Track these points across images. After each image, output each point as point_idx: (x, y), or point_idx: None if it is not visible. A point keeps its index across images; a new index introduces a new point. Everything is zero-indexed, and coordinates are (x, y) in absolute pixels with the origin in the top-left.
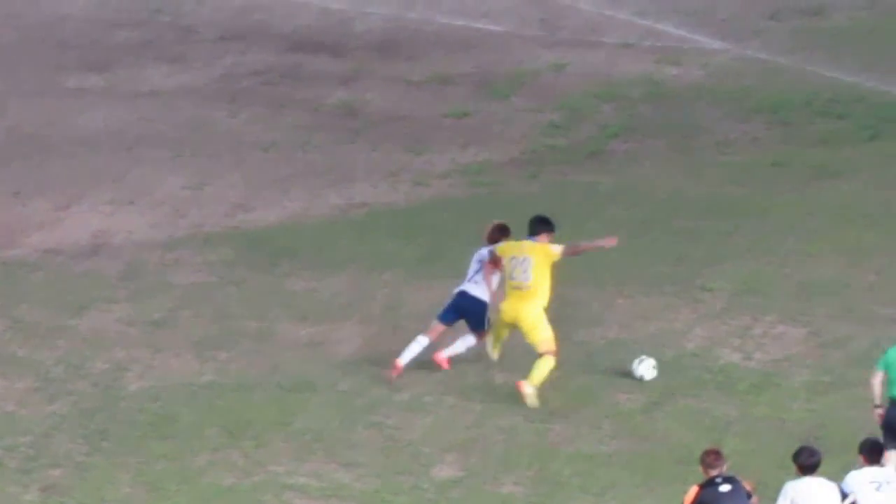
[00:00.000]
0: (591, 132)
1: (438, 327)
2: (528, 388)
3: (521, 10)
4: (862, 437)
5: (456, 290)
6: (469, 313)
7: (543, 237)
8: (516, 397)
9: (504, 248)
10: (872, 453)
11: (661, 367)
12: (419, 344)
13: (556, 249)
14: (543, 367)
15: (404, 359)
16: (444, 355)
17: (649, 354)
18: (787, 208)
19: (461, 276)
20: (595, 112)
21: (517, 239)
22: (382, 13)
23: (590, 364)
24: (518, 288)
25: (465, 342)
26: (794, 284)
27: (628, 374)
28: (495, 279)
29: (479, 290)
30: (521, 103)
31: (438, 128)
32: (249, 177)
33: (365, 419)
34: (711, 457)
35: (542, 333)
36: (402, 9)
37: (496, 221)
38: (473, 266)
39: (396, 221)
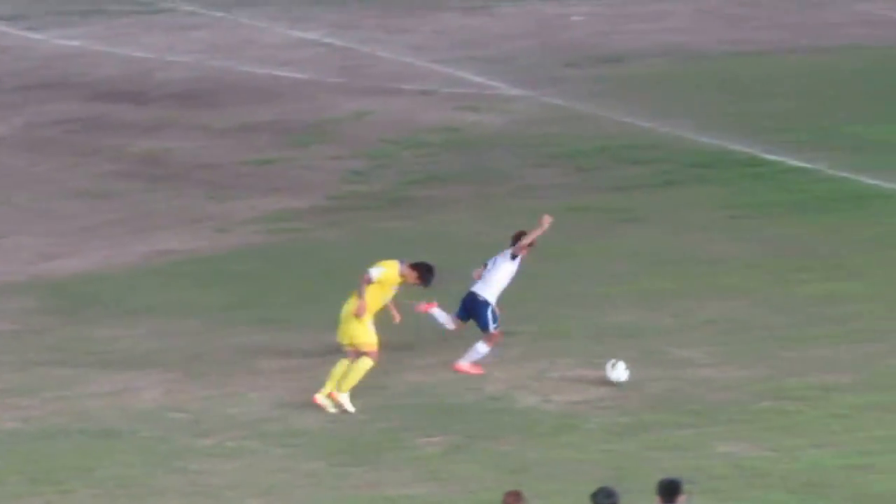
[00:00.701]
0: (392, 179)
1: (456, 322)
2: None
3: (322, 59)
4: (659, 478)
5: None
6: (472, 312)
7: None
8: (318, 441)
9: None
10: (668, 494)
11: (462, 411)
12: (447, 321)
13: (374, 274)
14: (355, 372)
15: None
16: (463, 364)
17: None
18: (585, 253)
19: (265, 322)
20: (396, 159)
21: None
22: (184, 62)
23: (392, 408)
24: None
25: (477, 348)
26: (592, 328)
27: (432, 417)
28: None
29: (483, 289)
30: (323, 151)
31: (241, 175)
32: (52, 226)
33: (168, 465)
34: (512, 498)
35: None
36: (203, 58)
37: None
38: (488, 266)
39: (199, 269)
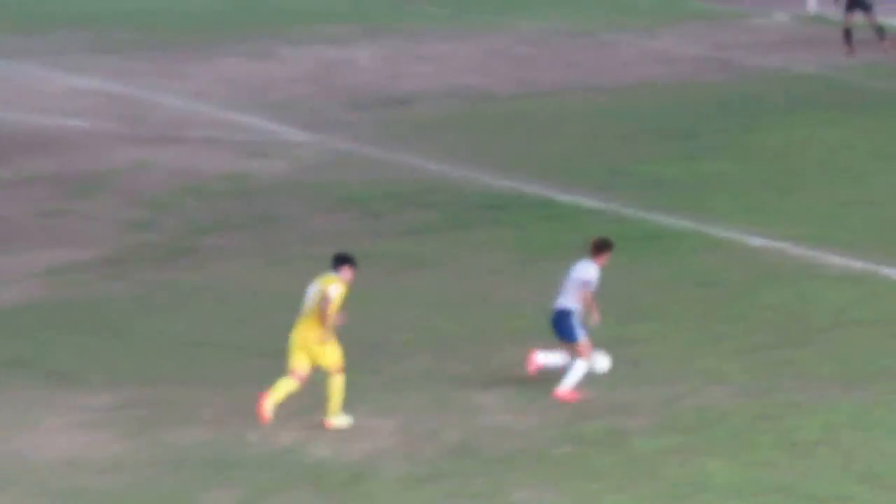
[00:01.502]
0: (177, 229)
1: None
2: (334, 421)
3: (101, 108)
4: None
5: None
6: (556, 327)
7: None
8: (111, 500)
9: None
10: None
11: (250, 464)
12: (559, 357)
13: (334, 293)
14: (334, 393)
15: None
16: (563, 390)
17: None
18: (376, 300)
19: (49, 377)
20: (181, 208)
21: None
22: None
23: (181, 463)
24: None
25: (575, 368)
26: (385, 375)
27: (218, 471)
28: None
29: (564, 300)
30: (105, 201)
31: (22, 228)
32: None
33: None
34: None
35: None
36: None
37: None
38: (564, 282)
39: None
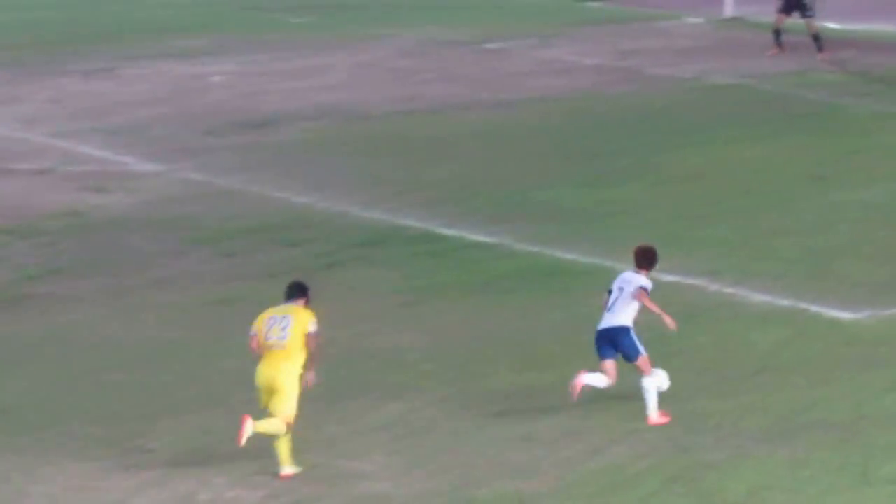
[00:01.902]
0: (7, 275)
1: (606, 365)
2: (250, 429)
3: None
4: None
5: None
6: (614, 344)
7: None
8: None
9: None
10: None
11: None
12: (599, 379)
13: (315, 329)
14: (273, 424)
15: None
16: (654, 417)
17: None
18: (233, 352)
19: None
20: (11, 251)
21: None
22: None
23: None
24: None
25: (647, 390)
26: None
27: None
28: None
29: (616, 318)
30: None
31: None
32: None
33: None
34: None
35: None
36: None
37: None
38: (614, 295)
39: None
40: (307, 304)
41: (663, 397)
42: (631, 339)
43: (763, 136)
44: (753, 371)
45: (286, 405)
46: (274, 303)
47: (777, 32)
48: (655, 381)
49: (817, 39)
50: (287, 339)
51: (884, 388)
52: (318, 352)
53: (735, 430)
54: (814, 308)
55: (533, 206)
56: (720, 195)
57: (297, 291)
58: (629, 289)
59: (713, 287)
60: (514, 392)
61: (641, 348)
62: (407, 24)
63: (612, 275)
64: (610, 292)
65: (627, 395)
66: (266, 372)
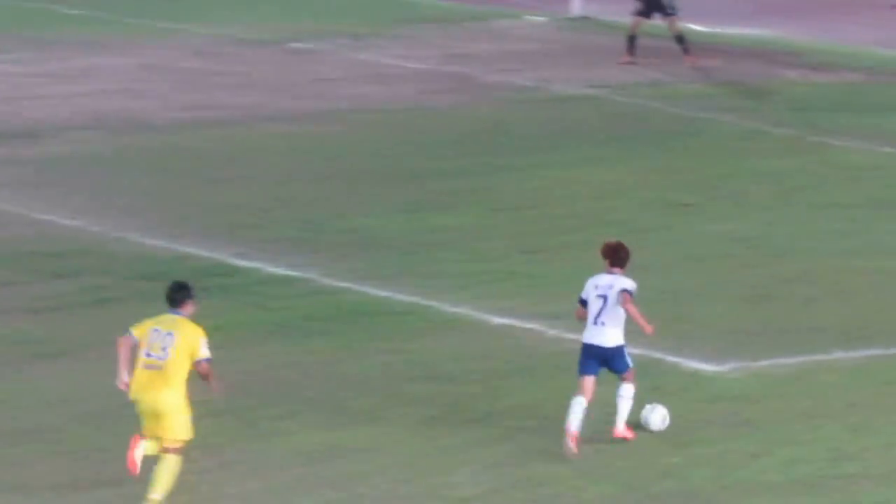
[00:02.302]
0: None
1: (586, 382)
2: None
3: None
4: None
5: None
6: (607, 362)
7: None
8: None
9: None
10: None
11: None
12: (580, 406)
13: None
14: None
15: (573, 425)
16: (620, 428)
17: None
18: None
19: None
20: None
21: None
22: None
23: None
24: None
25: (624, 397)
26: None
27: None
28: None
29: (611, 332)
30: None
31: None
32: None
33: None
34: None
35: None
36: None
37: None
38: (595, 305)
39: None
40: (193, 308)
41: (497, 462)
42: (624, 357)
43: (615, 156)
44: (597, 432)
45: (177, 428)
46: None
47: (631, 38)
48: (633, 393)
49: (682, 41)
50: (167, 359)
51: (751, 453)
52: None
53: (577, 500)
54: (670, 359)
55: (344, 234)
56: (564, 225)
57: (181, 296)
58: (612, 294)
59: (553, 332)
60: (323, 452)
61: (630, 361)
62: (200, 18)
63: (437, 315)
64: (583, 302)
65: (456, 451)
66: (143, 396)
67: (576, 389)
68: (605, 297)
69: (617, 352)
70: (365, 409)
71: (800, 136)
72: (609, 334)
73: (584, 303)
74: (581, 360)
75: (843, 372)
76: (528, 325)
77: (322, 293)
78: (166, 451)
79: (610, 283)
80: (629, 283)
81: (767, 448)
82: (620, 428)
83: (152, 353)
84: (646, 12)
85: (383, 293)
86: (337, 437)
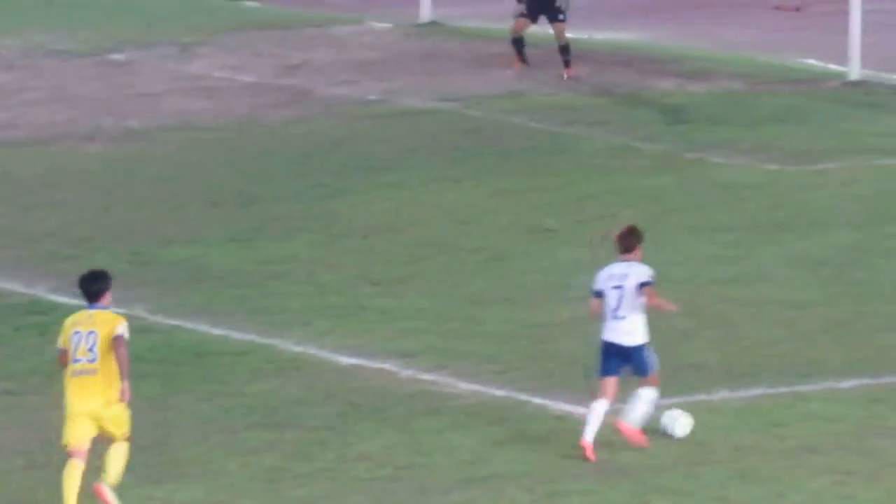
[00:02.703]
0: None
1: (607, 383)
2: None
3: None
4: None
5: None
6: (630, 360)
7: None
8: None
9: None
10: None
11: None
12: (600, 410)
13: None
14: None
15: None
16: (631, 426)
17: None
18: None
19: None
20: None
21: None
22: None
23: None
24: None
25: (643, 401)
26: None
27: None
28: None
29: (631, 328)
30: None
31: None
32: None
33: None
34: None
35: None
36: None
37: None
38: (612, 296)
39: None
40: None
41: None
42: (647, 354)
43: (471, 176)
44: (457, 482)
45: (124, 423)
46: None
47: (518, 42)
48: (655, 398)
49: (566, 52)
50: (97, 361)
51: None
52: (127, 360)
53: None
54: (536, 400)
55: (173, 266)
56: (414, 253)
57: (97, 287)
58: (629, 284)
59: (406, 373)
60: None
61: (655, 362)
62: (8, 27)
63: (278, 355)
64: (598, 294)
65: None
66: (81, 406)
67: (596, 393)
68: (621, 288)
69: (639, 351)
70: (199, 459)
71: (675, 152)
72: (630, 329)
73: (598, 294)
74: (601, 359)
75: (727, 413)
76: (380, 365)
77: (151, 331)
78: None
79: (625, 272)
80: (646, 273)
81: (644, 498)
82: (634, 427)
83: (80, 358)
84: (532, 13)
85: (218, 331)
86: (167, 491)
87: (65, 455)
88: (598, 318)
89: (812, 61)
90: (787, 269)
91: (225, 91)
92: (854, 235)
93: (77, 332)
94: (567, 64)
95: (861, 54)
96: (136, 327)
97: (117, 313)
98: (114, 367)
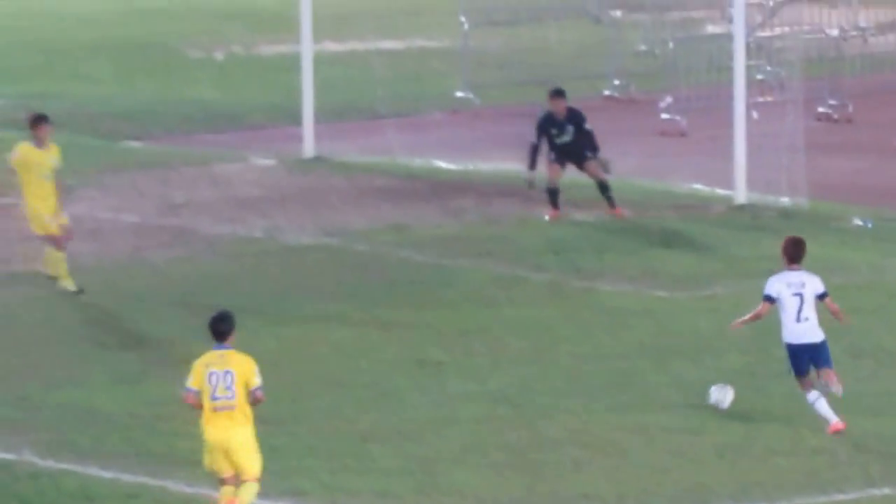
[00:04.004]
0: None
1: (807, 382)
2: None
3: None
4: None
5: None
6: (818, 358)
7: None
8: None
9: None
10: None
11: None
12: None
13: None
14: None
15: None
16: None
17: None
18: None
19: None
20: None
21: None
22: None
23: None
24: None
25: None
26: None
27: None
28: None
29: (812, 325)
30: None
31: None
32: None
33: None
34: None
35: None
36: None
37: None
38: (792, 303)
39: None
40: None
41: None
42: (829, 351)
43: (356, 310)
44: None
45: (255, 463)
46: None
47: (553, 192)
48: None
49: (606, 189)
50: (235, 398)
51: None
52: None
53: None
54: None
55: (60, 409)
56: (300, 390)
57: (224, 327)
58: (807, 292)
59: None
60: None
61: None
62: None
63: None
64: (770, 299)
65: None
66: (220, 436)
67: (804, 389)
68: (801, 295)
69: (824, 346)
70: None
71: (562, 281)
72: (816, 329)
73: (769, 300)
74: (794, 362)
75: None
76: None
77: (41, 476)
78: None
79: (802, 280)
80: (821, 284)
81: None
82: (833, 420)
83: (219, 396)
84: (560, 160)
85: (108, 474)
86: None
87: None
88: (763, 318)
89: (698, 186)
90: (677, 395)
91: (108, 232)
92: (744, 359)
93: (213, 373)
94: (611, 203)
95: (746, 178)
96: (25, 472)
97: (243, 353)
98: (246, 405)
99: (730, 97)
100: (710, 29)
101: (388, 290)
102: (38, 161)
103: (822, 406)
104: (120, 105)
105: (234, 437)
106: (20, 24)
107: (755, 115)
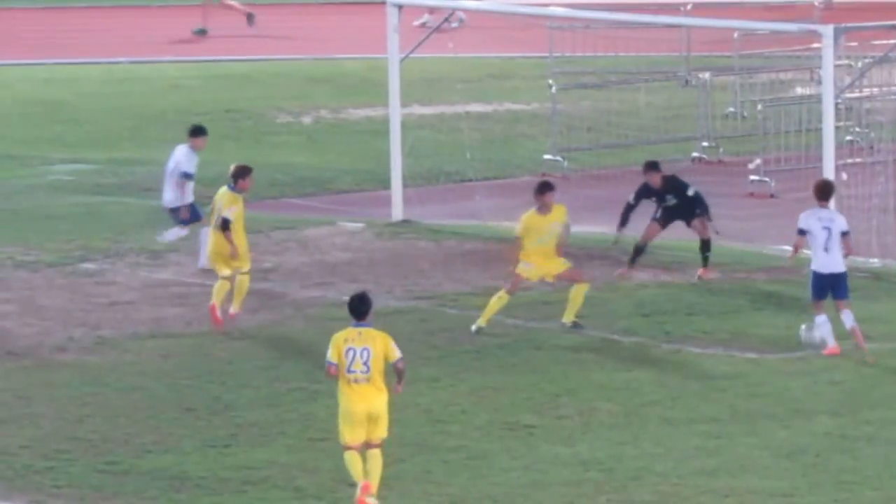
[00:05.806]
0: None
1: (822, 307)
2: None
3: None
4: None
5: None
6: (839, 288)
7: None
8: None
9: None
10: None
11: None
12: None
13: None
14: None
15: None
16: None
17: None
18: None
19: None
20: None
21: None
22: None
23: None
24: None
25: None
26: None
27: None
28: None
29: (836, 257)
30: None
31: None
32: None
33: None
34: None
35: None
36: None
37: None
38: (822, 234)
39: None
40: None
41: None
42: (848, 283)
43: (447, 375)
44: None
45: (386, 426)
46: None
47: (640, 249)
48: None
49: (706, 248)
50: (370, 372)
51: None
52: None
53: None
54: None
55: (148, 475)
56: (393, 454)
57: (364, 307)
58: (835, 227)
59: None
60: None
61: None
62: None
63: None
64: (802, 232)
65: None
66: (361, 407)
67: (816, 311)
68: (829, 229)
69: (844, 277)
70: None
71: (652, 345)
72: (838, 260)
73: (802, 233)
74: (814, 287)
75: None
76: None
77: None
78: (370, 446)
79: (831, 216)
80: (846, 223)
81: None
82: (831, 344)
83: (354, 370)
84: (663, 221)
85: None
86: None
87: None
88: (797, 252)
89: (788, 248)
90: (767, 459)
91: (197, 297)
92: (834, 422)
93: (351, 349)
94: (705, 263)
95: None
96: None
97: (380, 330)
98: (382, 376)
99: (819, 159)
100: (799, 90)
101: (477, 354)
102: None
103: (827, 328)
104: (209, 171)
105: (377, 404)
106: (109, 91)
107: (844, 176)
